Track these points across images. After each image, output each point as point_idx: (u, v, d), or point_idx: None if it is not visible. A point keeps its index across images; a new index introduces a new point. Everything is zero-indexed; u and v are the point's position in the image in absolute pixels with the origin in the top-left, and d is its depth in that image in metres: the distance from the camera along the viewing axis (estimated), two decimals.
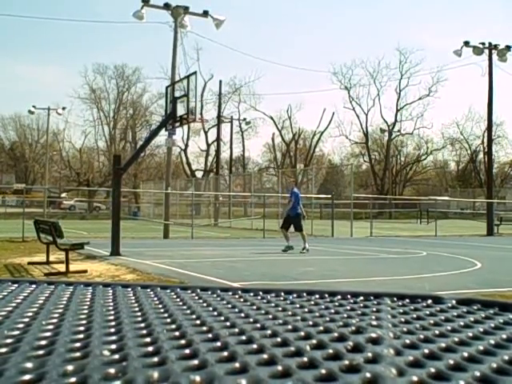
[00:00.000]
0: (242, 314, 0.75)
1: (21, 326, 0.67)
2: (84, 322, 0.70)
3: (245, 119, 53.91)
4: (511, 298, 6.41)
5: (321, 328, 0.66)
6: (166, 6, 21.14)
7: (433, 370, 0.49)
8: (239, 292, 0.97)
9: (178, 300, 0.89)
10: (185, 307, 0.82)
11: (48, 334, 0.63)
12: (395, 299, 0.89)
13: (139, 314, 0.76)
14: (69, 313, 0.77)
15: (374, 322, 0.70)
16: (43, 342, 0.58)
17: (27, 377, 0.46)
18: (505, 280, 8.76)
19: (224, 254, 12.86)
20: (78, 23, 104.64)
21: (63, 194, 53.56)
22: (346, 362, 0.51)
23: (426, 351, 0.56)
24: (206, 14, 21.68)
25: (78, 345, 0.57)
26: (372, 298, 0.91)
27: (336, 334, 0.63)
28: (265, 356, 0.53)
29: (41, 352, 0.54)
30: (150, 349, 0.55)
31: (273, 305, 0.84)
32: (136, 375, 0.46)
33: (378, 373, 0.47)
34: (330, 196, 24.39)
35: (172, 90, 14.31)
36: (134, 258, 11.49)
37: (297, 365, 0.50)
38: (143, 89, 55.45)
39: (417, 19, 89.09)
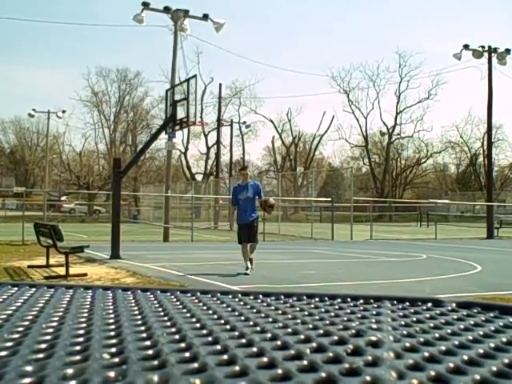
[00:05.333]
0: (242, 317, 0.75)
1: (21, 329, 0.67)
2: (84, 325, 0.70)
3: (245, 122, 53.95)
4: (511, 301, 6.41)
5: (321, 331, 0.66)
6: (166, 10, 21.19)
7: (433, 373, 0.49)
8: (239, 295, 0.97)
9: (178, 303, 0.89)
10: (185, 310, 0.82)
11: (48, 337, 0.63)
12: (395, 302, 0.89)
13: (139, 317, 0.76)
14: (69, 316, 0.77)
15: (374, 325, 0.70)
16: (43, 346, 0.58)
17: (27, 380, 0.46)
18: (505, 283, 8.75)
19: (224, 257, 12.85)
20: (79, 26, 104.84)
21: (63, 197, 53.54)
22: (346, 366, 0.51)
23: (426, 354, 0.56)
24: (205, 17, 21.74)
25: (77, 348, 0.57)
26: (372, 301, 0.91)
27: (336, 337, 0.63)
28: (265, 359, 0.53)
29: (41, 355, 0.54)
30: (150, 352, 0.55)
31: (273, 308, 0.84)
32: (136, 378, 0.46)
33: (378, 376, 0.47)
34: (329, 199, 24.39)
35: (172, 94, 14.34)
36: (133, 262, 11.48)
37: (297, 368, 0.50)
38: (145, 92, 55.55)
39: (416, 22, 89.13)
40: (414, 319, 0.76)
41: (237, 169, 58.24)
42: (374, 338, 0.62)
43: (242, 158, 59.84)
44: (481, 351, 0.58)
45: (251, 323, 0.71)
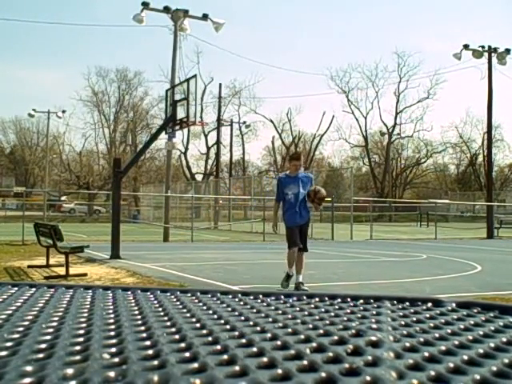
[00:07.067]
0: (242, 317, 0.75)
1: (21, 329, 0.67)
2: (84, 325, 0.70)
3: (244, 122, 53.98)
4: (511, 302, 6.40)
5: (321, 331, 0.66)
6: (166, 10, 21.19)
7: (433, 373, 0.49)
8: (239, 295, 0.97)
9: (178, 303, 0.89)
10: (185, 310, 0.82)
11: (48, 337, 0.63)
12: (395, 302, 0.89)
13: (139, 317, 0.76)
14: (69, 316, 0.77)
15: (374, 325, 0.70)
16: (43, 346, 0.58)
17: (27, 380, 0.46)
18: (505, 283, 8.75)
19: (224, 257, 12.85)
20: (79, 26, 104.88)
21: (63, 197, 53.56)
22: (346, 366, 0.51)
23: (426, 354, 0.56)
24: (205, 17, 21.73)
25: (77, 348, 0.57)
26: (372, 301, 0.91)
27: (336, 337, 0.63)
28: (265, 359, 0.53)
29: (41, 355, 0.54)
30: (150, 352, 0.55)
31: (273, 308, 0.84)
32: (136, 378, 0.46)
33: (378, 376, 0.47)
34: (329, 199, 24.38)
35: (172, 93, 14.33)
36: (133, 261, 11.48)
37: (297, 368, 0.50)
38: (144, 92, 55.57)
39: (415, 22, 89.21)
40: (414, 319, 0.76)
41: (237, 168, 58.71)
42: (374, 338, 0.62)
43: (242, 157, 59.92)
44: (481, 351, 0.58)
45: (251, 323, 0.71)
